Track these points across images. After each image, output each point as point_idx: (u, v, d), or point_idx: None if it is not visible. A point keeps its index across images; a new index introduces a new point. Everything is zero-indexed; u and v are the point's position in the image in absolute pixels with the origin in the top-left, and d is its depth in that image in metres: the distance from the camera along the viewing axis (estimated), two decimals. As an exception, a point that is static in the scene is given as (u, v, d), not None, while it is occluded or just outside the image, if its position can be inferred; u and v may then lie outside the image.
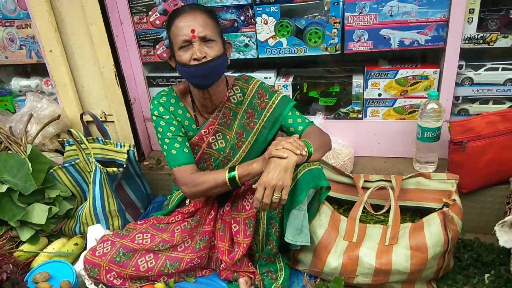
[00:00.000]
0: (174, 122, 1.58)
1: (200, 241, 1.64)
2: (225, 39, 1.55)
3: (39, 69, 2.32)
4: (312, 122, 1.59)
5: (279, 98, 1.60)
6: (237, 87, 1.63)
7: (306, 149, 1.35)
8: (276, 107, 1.59)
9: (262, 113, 1.60)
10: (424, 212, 1.60)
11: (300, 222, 1.42)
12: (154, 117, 1.59)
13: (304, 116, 1.60)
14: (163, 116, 1.58)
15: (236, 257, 1.54)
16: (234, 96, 1.63)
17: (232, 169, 1.44)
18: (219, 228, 1.66)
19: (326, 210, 1.58)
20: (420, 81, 1.83)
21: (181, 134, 1.58)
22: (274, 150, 1.32)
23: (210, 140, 1.63)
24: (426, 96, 1.82)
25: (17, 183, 1.77)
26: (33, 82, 2.35)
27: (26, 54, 2.23)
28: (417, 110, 1.87)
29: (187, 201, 1.72)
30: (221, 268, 1.62)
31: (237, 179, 1.43)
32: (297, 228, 1.42)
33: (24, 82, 2.36)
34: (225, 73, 1.61)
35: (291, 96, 2.01)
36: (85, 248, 1.77)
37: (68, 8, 1.96)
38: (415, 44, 1.76)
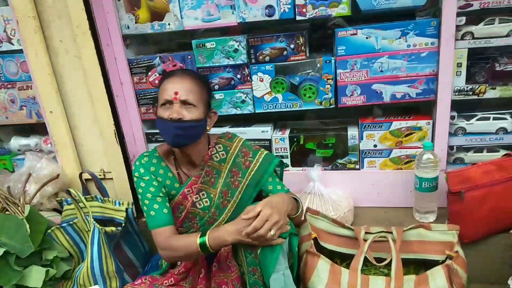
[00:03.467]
0: (154, 182, 1.60)
1: None
2: (211, 108, 1.61)
3: (38, 128, 2.35)
4: (288, 190, 1.65)
5: (263, 155, 1.63)
6: (220, 145, 1.66)
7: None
8: (260, 165, 1.61)
9: (247, 172, 1.61)
10: (427, 264, 1.58)
11: (282, 282, 1.40)
12: (135, 178, 1.63)
13: (283, 183, 1.66)
14: (143, 177, 1.60)
15: None
16: (217, 154, 1.64)
17: (204, 233, 1.45)
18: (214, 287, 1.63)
19: (323, 264, 1.55)
20: (414, 132, 1.88)
21: (161, 194, 1.59)
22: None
23: (194, 199, 1.63)
24: (421, 146, 1.85)
25: (15, 245, 1.74)
26: (32, 141, 2.37)
27: (26, 114, 2.27)
28: (413, 160, 1.90)
29: (178, 262, 1.70)
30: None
31: (208, 247, 1.43)
32: None
33: (23, 141, 2.39)
34: (208, 132, 1.65)
35: (288, 149, 2.04)
36: (82, 312, 1.72)
37: (69, 71, 2.02)
38: (406, 97, 1.82)
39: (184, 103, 1.49)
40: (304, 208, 1.81)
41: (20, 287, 1.73)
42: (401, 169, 1.95)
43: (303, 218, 1.63)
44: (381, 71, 1.80)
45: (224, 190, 1.61)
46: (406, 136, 1.89)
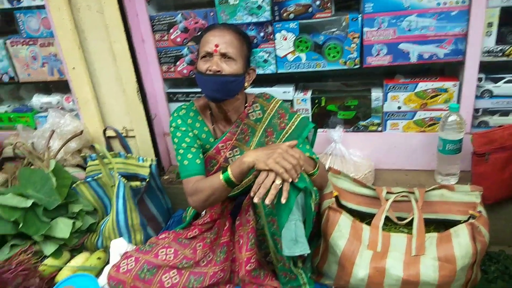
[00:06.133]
0: (190, 134, 1.61)
1: (220, 252, 1.65)
2: (250, 65, 1.60)
3: (60, 86, 2.36)
4: (318, 158, 1.61)
5: (298, 119, 1.63)
6: (257, 104, 1.66)
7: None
8: (295, 128, 1.62)
9: (281, 134, 1.62)
10: (448, 225, 1.58)
11: (293, 232, 1.38)
12: (172, 128, 1.64)
13: (313, 151, 1.63)
14: (180, 128, 1.62)
15: (241, 271, 1.55)
16: (254, 113, 1.65)
17: (225, 169, 1.44)
18: (237, 241, 1.66)
19: (345, 220, 1.57)
20: (440, 94, 1.85)
21: (195, 145, 1.61)
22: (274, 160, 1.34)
23: (228, 155, 1.65)
24: (446, 108, 1.83)
25: (42, 198, 1.79)
26: (54, 98, 2.39)
27: (48, 71, 2.28)
28: (437, 123, 1.88)
29: (203, 212, 1.73)
30: (245, 280, 1.61)
31: (231, 178, 1.42)
32: (291, 239, 1.39)
33: (45, 99, 2.41)
34: (245, 91, 1.64)
35: (309, 110, 2.04)
36: (108, 262, 1.77)
37: (91, 27, 2.01)
38: (434, 58, 1.79)
39: (224, 56, 1.49)
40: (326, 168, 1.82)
41: (48, 237, 1.80)
42: (425, 131, 1.93)
43: (323, 181, 1.61)
44: (409, 30, 1.76)
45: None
46: (431, 98, 1.86)
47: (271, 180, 1.31)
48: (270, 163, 1.33)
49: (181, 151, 1.59)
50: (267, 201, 1.30)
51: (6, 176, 2.01)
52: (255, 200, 1.31)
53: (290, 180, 1.33)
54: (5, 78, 2.35)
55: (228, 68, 1.49)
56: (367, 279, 1.47)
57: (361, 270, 1.48)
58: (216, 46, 1.48)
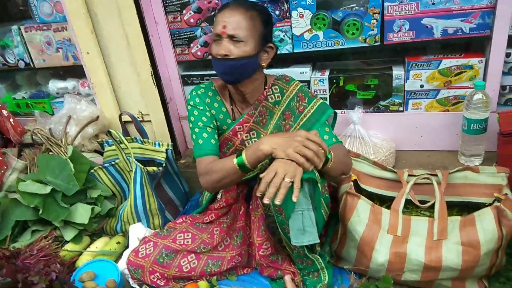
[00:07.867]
0: (207, 113, 1.58)
1: (236, 237, 1.65)
2: (267, 43, 1.50)
3: (75, 71, 2.36)
4: (340, 142, 1.56)
5: (317, 104, 1.57)
6: (276, 86, 1.60)
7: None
8: (313, 113, 1.56)
9: (299, 117, 1.57)
10: (471, 207, 1.53)
11: (300, 222, 1.33)
12: (189, 107, 1.60)
13: (334, 134, 1.56)
14: (198, 107, 1.59)
15: (257, 256, 1.57)
16: (272, 96, 1.60)
17: (240, 153, 1.38)
18: (251, 225, 1.65)
19: (363, 205, 1.53)
20: (465, 71, 1.76)
21: (211, 126, 1.58)
22: (293, 150, 1.27)
23: (244, 137, 1.62)
24: (471, 86, 1.75)
25: (60, 184, 1.81)
26: (70, 84, 2.39)
27: (62, 56, 2.27)
28: (462, 101, 1.80)
29: (219, 196, 1.72)
30: (263, 265, 1.61)
31: (246, 163, 1.36)
32: (299, 229, 1.34)
33: (61, 84, 2.42)
34: (265, 72, 1.60)
35: (327, 91, 1.98)
36: (127, 247, 1.79)
37: (104, 10, 1.98)
38: (459, 33, 1.70)
39: (232, 37, 1.41)
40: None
41: (68, 223, 1.82)
42: (448, 110, 1.86)
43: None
44: (433, 3, 1.67)
45: (274, 132, 1.59)
46: (456, 75, 1.78)
47: (280, 179, 1.23)
48: (290, 153, 1.26)
49: (196, 129, 1.56)
50: (277, 202, 1.22)
51: (26, 163, 2.03)
52: (265, 201, 1.22)
53: (311, 168, 1.28)
54: (21, 64, 2.36)
55: (236, 50, 1.42)
56: (387, 264, 1.44)
57: (380, 255, 1.45)
58: (224, 27, 1.40)
